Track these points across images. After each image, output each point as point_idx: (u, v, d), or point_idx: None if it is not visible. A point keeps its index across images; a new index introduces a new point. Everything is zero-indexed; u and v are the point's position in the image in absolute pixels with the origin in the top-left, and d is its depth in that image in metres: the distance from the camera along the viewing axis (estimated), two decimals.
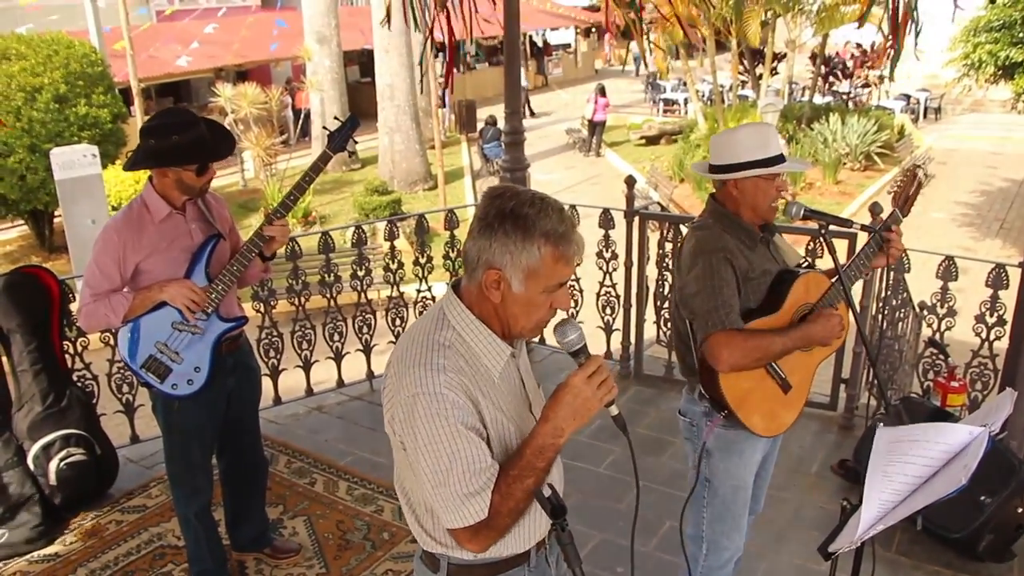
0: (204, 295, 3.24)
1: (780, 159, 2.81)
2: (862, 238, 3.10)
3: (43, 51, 12.85)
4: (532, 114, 28.08)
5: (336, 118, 3.66)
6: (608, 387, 1.84)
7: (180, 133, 3.14)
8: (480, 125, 19.62)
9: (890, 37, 4.18)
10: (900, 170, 3.27)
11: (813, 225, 2.93)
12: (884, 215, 3.18)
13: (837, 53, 23.44)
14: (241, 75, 21.44)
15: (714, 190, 2.99)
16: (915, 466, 1.92)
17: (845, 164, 18.07)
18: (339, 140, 3.48)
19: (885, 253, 2.98)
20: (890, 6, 4.09)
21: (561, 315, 1.94)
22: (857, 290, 4.55)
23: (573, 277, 5.88)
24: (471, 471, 1.80)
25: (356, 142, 3.56)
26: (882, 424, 2.81)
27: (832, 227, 2.91)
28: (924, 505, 1.85)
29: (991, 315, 4.68)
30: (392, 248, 5.78)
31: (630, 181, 5.67)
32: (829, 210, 2.89)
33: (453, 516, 1.83)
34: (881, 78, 22.46)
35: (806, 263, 3.12)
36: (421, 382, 1.81)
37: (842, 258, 4.12)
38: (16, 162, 12.14)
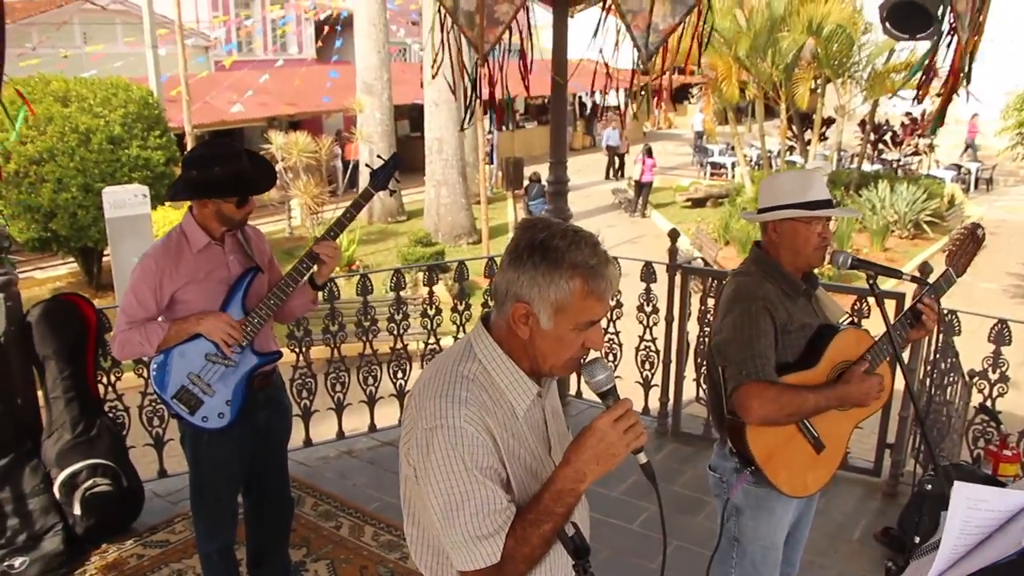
0: (241, 329, 3.21)
1: (824, 204, 2.73)
2: (908, 298, 2.98)
3: (101, 93, 13.23)
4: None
5: (379, 156, 3.64)
6: (636, 433, 1.74)
7: (222, 165, 3.14)
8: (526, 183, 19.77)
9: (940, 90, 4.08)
10: (957, 228, 3.12)
11: (860, 283, 2.82)
12: (935, 275, 3.05)
13: (887, 120, 23.29)
14: (293, 125, 21.90)
15: (760, 238, 2.92)
16: (976, 537, 1.79)
17: (893, 232, 17.86)
18: (382, 178, 3.46)
19: (920, 326, 2.86)
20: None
21: (593, 354, 1.86)
22: (904, 352, 4.41)
23: (613, 331, 5.84)
24: (484, 512, 1.72)
25: (399, 181, 3.53)
26: (930, 486, 2.69)
27: (880, 287, 2.81)
28: (976, 569, 1.73)
29: None
30: (430, 294, 5.75)
31: (674, 234, 5.59)
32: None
33: (463, 558, 1.75)
34: (931, 146, 22.30)
35: (849, 320, 3.01)
36: (441, 414, 1.74)
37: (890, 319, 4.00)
38: (69, 199, 12.43)
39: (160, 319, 3.22)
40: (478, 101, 5.21)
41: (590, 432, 1.75)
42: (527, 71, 4.75)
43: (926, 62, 4.00)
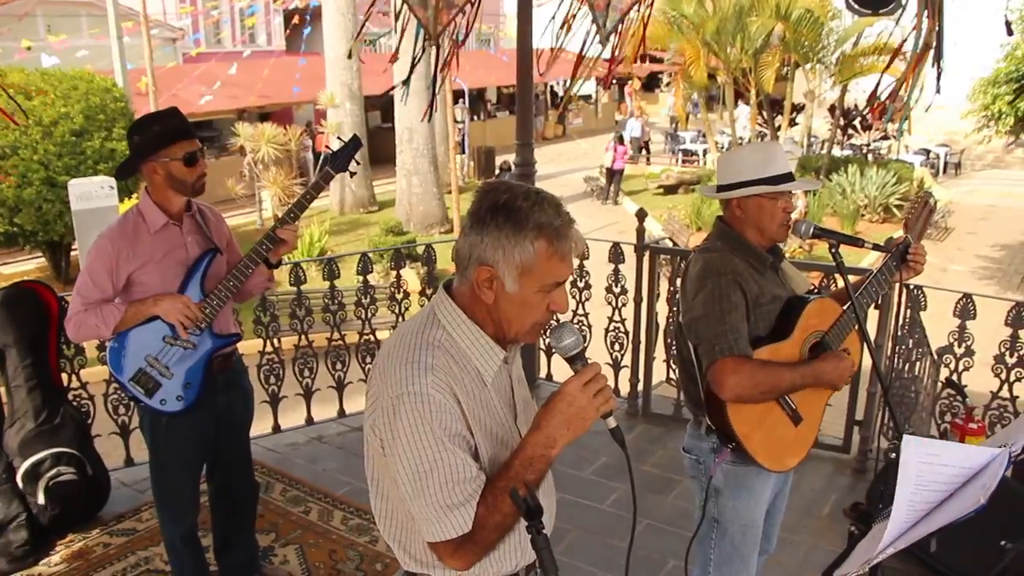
0: (199, 311, 3.16)
1: (786, 178, 2.72)
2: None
3: (63, 86, 13.04)
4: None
5: (339, 138, 3.59)
6: (605, 396, 1.73)
7: (160, 122, 3.15)
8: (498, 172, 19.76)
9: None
10: (911, 200, 3.15)
11: (828, 261, 2.81)
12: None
13: (856, 105, 23.43)
14: (263, 116, 21.67)
15: (721, 213, 2.91)
16: (935, 492, 1.79)
17: (863, 216, 18.01)
18: (342, 159, 3.42)
19: (907, 268, 2.85)
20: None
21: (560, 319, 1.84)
22: (871, 327, 4.43)
23: (582, 312, 5.81)
24: (453, 480, 1.69)
25: (359, 163, 3.49)
26: (895, 454, 2.69)
27: (847, 267, 2.78)
28: (938, 527, 1.73)
29: (1011, 355, 4.54)
30: (398, 277, 5.71)
31: (641, 214, 5.58)
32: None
33: (433, 528, 1.72)
34: (901, 131, 22.46)
35: (816, 290, 3.00)
36: (407, 381, 1.70)
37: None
38: (33, 194, 12.25)
39: (117, 300, 3.16)
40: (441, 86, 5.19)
41: (560, 397, 1.73)
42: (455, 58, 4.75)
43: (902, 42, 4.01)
